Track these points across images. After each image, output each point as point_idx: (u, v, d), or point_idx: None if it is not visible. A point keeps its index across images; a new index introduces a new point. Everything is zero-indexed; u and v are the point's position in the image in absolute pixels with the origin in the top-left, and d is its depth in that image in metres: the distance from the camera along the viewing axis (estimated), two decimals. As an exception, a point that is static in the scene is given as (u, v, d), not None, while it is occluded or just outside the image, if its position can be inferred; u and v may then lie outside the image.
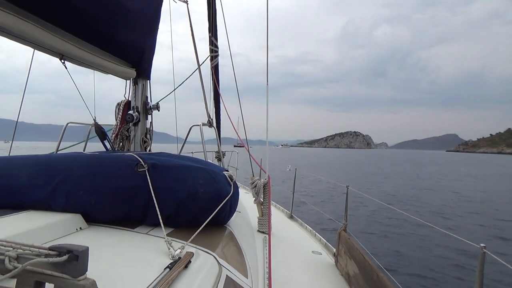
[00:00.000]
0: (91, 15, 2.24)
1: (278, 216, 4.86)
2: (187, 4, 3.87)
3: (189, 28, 3.41)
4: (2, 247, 0.77)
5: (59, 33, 2.11)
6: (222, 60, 4.64)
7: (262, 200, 3.30)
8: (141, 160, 1.75)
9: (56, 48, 2.12)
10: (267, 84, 3.26)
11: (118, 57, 2.80)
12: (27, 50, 2.46)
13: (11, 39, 1.96)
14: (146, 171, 1.71)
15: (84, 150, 3.14)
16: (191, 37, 3.30)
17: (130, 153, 1.91)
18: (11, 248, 0.77)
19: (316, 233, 3.95)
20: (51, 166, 1.83)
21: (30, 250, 0.76)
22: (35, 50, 2.45)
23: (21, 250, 0.76)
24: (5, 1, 1.71)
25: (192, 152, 4.74)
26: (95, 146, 3.11)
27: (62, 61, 2.36)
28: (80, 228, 1.58)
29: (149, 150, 3.31)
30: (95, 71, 3.03)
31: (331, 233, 7.39)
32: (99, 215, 1.69)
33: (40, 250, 0.75)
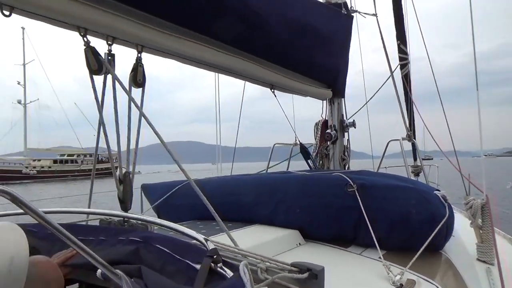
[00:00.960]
0: (295, 45, 2.49)
1: (501, 243, 3.91)
2: (376, 16, 3.77)
3: (380, 39, 3.29)
4: (254, 259, 0.89)
5: (270, 66, 2.43)
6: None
7: (481, 224, 2.76)
8: (349, 180, 1.77)
9: (268, 80, 2.46)
10: (476, 84, 2.72)
11: (316, 80, 2.99)
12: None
13: (234, 76, 2.42)
14: (356, 191, 1.72)
15: (287, 168, 3.47)
16: (382, 48, 3.16)
17: (338, 173, 1.96)
18: (260, 261, 0.88)
19: None
20: (271, 186, 2.12)
21: (276, 264, 0.85)
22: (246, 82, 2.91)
23: (268, 263, 0.87)
24: (231, 47, 2.09)
25: (385, 167, 4.48)
26: (295, 164, 3.38)
27: (272, 90, 2.70)
28: (299, 243, 1.73)
29: (347, 168, 3.35)
30: (293, 96, 3.35)
31: None
32: (314, 232, 1.83)
33: (284, 265, 0.84)
